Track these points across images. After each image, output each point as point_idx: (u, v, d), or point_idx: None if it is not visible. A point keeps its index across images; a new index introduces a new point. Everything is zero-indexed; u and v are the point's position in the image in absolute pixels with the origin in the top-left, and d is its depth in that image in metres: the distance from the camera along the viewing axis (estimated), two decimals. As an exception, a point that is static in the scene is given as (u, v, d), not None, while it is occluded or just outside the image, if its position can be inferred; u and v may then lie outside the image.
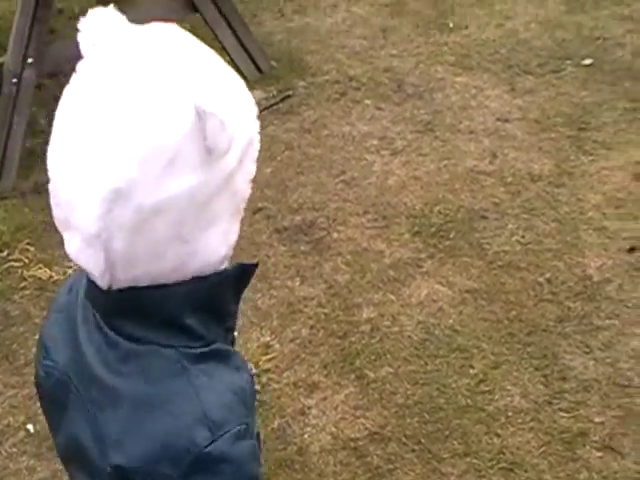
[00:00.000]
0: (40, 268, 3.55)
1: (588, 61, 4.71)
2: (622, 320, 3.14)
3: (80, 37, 1.04)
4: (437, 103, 4.41)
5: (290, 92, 4.63)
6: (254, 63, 4.74)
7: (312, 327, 3.14)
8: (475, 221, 3.60)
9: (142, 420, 1.01)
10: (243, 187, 1.04)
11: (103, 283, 1.01)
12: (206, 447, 0.98)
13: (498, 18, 5.21)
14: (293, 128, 4.34)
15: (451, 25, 5.16)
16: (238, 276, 1.08)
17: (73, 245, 1.01)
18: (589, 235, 3.53)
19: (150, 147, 0.93)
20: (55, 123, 1.01)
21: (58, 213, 1.01)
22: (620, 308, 3.19)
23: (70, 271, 3.46)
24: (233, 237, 1.06)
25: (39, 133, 4.39)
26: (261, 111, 4.25)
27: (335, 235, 3.58)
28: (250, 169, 1.05)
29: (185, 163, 0.95)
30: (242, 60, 4.65)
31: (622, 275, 3.33)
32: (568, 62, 4.72)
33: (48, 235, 3.70)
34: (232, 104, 0.98)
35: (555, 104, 4.36)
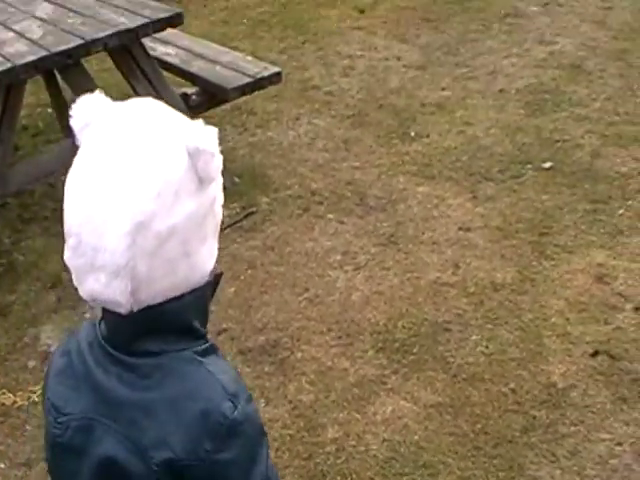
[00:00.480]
0: (4, 394, 3.71)
1: (548, 164, 5.01)
2: (587, 426, 3.33)
3: (72, 121, 1.32)
4: (399, 215, 4.67)
5: (254, 209, 4.88)
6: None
7: (277, 449, 3.30)
8: (439, 334, 3.80)
9: (178, 414, 1.29)
10: (219, 210, 1.38)
11: (127, 308, 1.28)
12: (233, 415, 1.30)
13: (459, 125, 5.53)
14: (256, 246, 4.57)
15: (413, 134, 5.47)
16: (216, 283, 1.41)
17: (97, 285, 1.26)
18: (553, 342, 3.74)
19: (160, 184, 1.24)
20: (70, 186, 1.28)
21: (81, 262, 1.27)
22: (585, 414, 3.38)
23: (34, 396, 3.63)
24: (215, 252, 1.39)
25: (3, 253, 4.61)
26: (224, 229, 4.50)
27: (299, 354, 3.77)
28: (221, 195, 1.38)
29: (186, 192, 1.27)
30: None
31: (586, 380, 3.53)
32: (529, 166, 5.01)
33: (12, 359, 3.88)
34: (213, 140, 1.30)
35: (516, 210, 4.63)
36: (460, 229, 4.51)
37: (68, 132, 1.38)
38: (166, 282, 1.29)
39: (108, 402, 1.34)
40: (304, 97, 6.16)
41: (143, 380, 1.32)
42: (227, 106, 5.71)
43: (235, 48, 6.53)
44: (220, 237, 1.42)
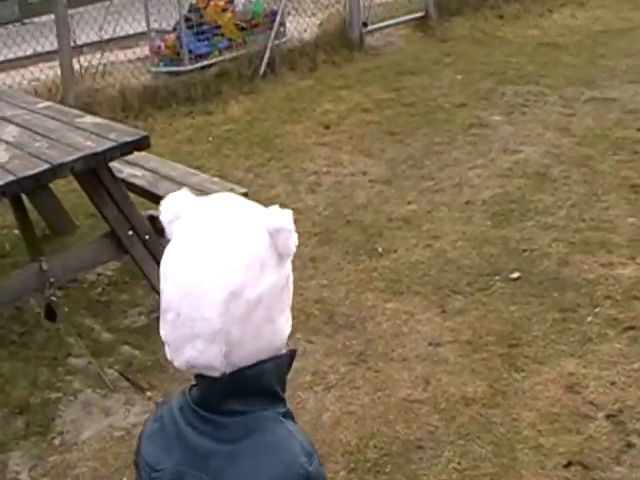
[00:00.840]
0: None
1: (516, 274, 5.22)
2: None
3: (162, 215, 1.64)
4: (369, 332, 4.84)
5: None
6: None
7: None
8: (411, 452, 3.94)
9: (262, 463, 1.56)
10: (291, 286, 1.69)
11: (220, 371, 1.56)
12: (309, 468, 1.57)
13: (426, 239, 5.76)
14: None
15: (380, 250, 5.70)
16: (291, 357, 1.70)
17: (195, 352, 1.55)
18: (525, 454, 3.88)
19: (249, 258, 1.55)
20: (168, 269, 1.59)
21: (179, 333, 1.56)
22: (560, 528, 3.50)
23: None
24: (290, 322, 1.68)
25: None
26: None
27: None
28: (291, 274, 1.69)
29: (269, 266, 1.57)
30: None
31: (560, 493, 3.66)
32: (497, 278, 5.22)
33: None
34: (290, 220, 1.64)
35: (485, 323, 4.82)
36: (430, 344, 4.68)
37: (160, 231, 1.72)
38: (253, 345, 1.58)
39: (197, 456, 1.62)
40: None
41: (232, 435, 1.60)
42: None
43: (201, 167, 6.82)
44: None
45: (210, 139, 8.11)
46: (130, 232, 4.92)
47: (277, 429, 1.61)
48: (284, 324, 1.65)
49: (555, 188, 6.38)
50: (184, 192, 1.67)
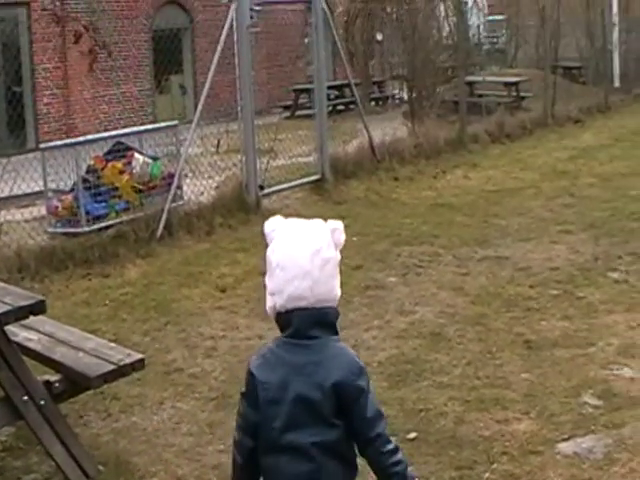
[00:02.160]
0: None
1: (413, 435, 5.43)
2: None
3: (266, 227, 3.05)
4: None
5: None
6: (81, 468, 5.12)
7: None
8: None
9: (336, 362, 2.91)
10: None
11: (309, 301, 2.95)
12: (361, 364, 2.98)
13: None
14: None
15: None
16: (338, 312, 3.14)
17: (295, 287, 2.93)
18: None
19: (322, 241, 2.97)
20: (280, 252, 2.99)
21: (285, 279, 2.94)
22: None
23: None
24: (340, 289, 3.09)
25: None
26: None
27: None
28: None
29: (331, 248, 2.98)
30: (68, 466, 5.02)
31: None
32: (394, 439, 5.40)
33: None
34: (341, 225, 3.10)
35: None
36: None
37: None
38: (325, 289, 2.98)
39: (295, 367, 2.94)
40: (167, 380, 6.52)
41: (314, 351, 2.95)
42: (90, 391, 6.00)
43: (98, 330, 6.95)
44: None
45: (107, 302, 8.26)
46: (25, 397, 4.98)
47: (340, 346, 3.03)
48: (338, 286, 3.08)
49: (450, 347, 6.69)
50: (278, 217, 3.11)
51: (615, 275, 8.21)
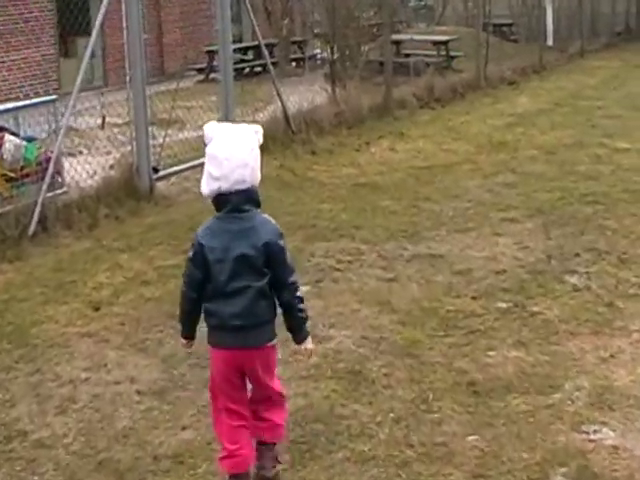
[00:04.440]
0: None
1: None
2: None
3: (206, 131, 3.94)
4: None
5: None
6: None
7: None
8: None
9: (265, 228, 3.91)
10: None
11: (247, 184, 3.85)
12: (280, 230, 4.00)
13: (202, 487, 4.30)
14: None
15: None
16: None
17: (239, 174, 3.81)
18: None
19: (254, 140, 3.95)
20: (219, 147, 3.86)
21: (231, 168, 3.79)
22: None
23: None
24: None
25: None
26: None
27: None
28: None
29: (257, 145, 3.96)
30: None
31: None
32: None
33: None
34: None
35: None
36: None
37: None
38: (255, 175, 3.88)
39: (234, 233, 3.85)
40: (4, 453, 4.81)
41: (248, 220, 3.87)
42: None
43: None
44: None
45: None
46: None
47: (265, 216, 3.96)
48: (259, 171, 3.94)
49: (374, 393, 5.09)
50: (214, 122, 4.04)
51: (574, 280, 6.66)
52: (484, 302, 6.31)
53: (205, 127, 3.94)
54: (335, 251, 7.56)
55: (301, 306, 4.01)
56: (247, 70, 20.17)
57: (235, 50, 20.51)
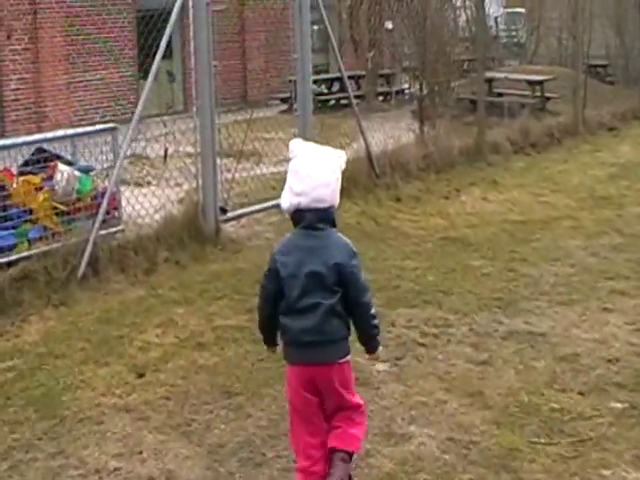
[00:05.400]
0: None
1: None
2: None
3: (291, 147, 4.07)
4: None
5: None
6: None
7: None
8: None
9: (337, 248, 3.92)
10: None
11: (327, 204, 3.94)
12: (354, 249, 4.01)
13: None
14: None
15: None
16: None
17: (319, 193, 3.91)
18: None
19: (337, 163, 4.03)
20: (301, 168, 3.98)
21: (312, 185, 3.91)
22: None
23: None
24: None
25: None
26: None
27: None
28: None
29: (339, 171, 4.04)
30: None
31: None
32: None
33: None
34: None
35: None
36: None
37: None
38: (336, 196, 3.99)
39: (308, 250, 3.91)
40: None
41: (321, 239, 3.92)
42: None
43: None
44: None
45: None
46: None
47: (339, 235, 4.00)
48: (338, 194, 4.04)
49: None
50: (299, 140, 4.22)
51: None
52: (594, 400, 5.24)
53: (291, 143, 4.10)
54: (419, 320, 6.56)
55: (374, 322, 4.09)
56: (332, 102, 19.32)
57: (318, 81, 19.76)
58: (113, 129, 8.36)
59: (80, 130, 8.81)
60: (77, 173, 8.22)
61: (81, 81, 18.75)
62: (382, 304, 6.89)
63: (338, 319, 3.95)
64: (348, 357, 4.05)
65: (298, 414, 4.05)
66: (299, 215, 3.96)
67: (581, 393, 5.32)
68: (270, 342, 4.26)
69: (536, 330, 6.34)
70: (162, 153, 11.82)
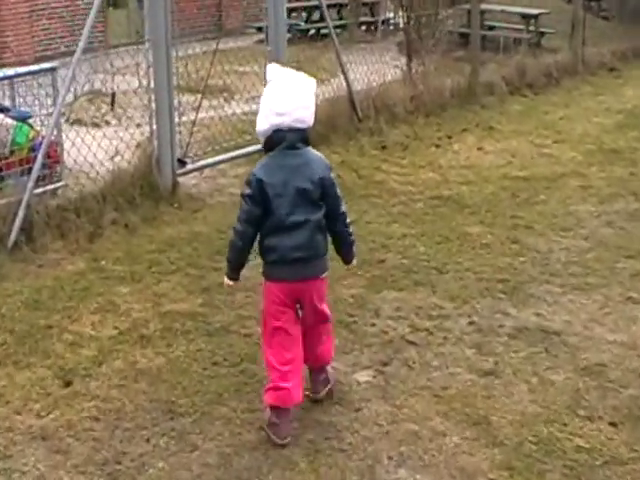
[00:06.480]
0: None
1: None
2: None
3: (268, 74, 4.14)
4: None
5: None
6: None
7: None
8: None
9: (318, 164, 4.08)
10: None
11: (307, 124, 4.05)
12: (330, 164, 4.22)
13: None
14: None
15: None
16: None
17: (301, 114, 4.00)
18: None
19: (312, 90, 4.14)
20: (278, 91, 4.05)
21: (295, 107, 3.99)
22: None
23: None
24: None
25: None
26: None
27: None
28: None
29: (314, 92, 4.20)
30: None
31: None
32: None
33: None
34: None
35: None
36: None
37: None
38: (312, 118, 4.07)
39: (291, 168, 3.99)
40: None
41: (301, 156, 4.02)
42: None
43: None
44: None
45: None
46: None
47: (316, 152, 4.13)
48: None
49: None
50: (275, 65, 4.22)
51: None
52: (630, 434, 4.15)
53: (268, 68, 4.18)
54: (409, 309, 5.44)
55: (350, 231, 4.31)
56: (312, 32, 17.94)
57: (295, 9, 18.35)
58: (52, 69, 7.06)
59: (21, 70, 7.50)
60: (12, 121, 6.97)
61: (44, 9, 17.26)
62: (363, 285, 5.79)
63: (322, 235, 4.13)
64: (328, 272, 4.23)
65: (276, 329, 4.10)
66: (277, 136, 4.04)
67: (613, 424, 4.22)
68: (237, 275, 4.25)
69: (550, 326, 5.23)
70: (127, 87, 10.55)
